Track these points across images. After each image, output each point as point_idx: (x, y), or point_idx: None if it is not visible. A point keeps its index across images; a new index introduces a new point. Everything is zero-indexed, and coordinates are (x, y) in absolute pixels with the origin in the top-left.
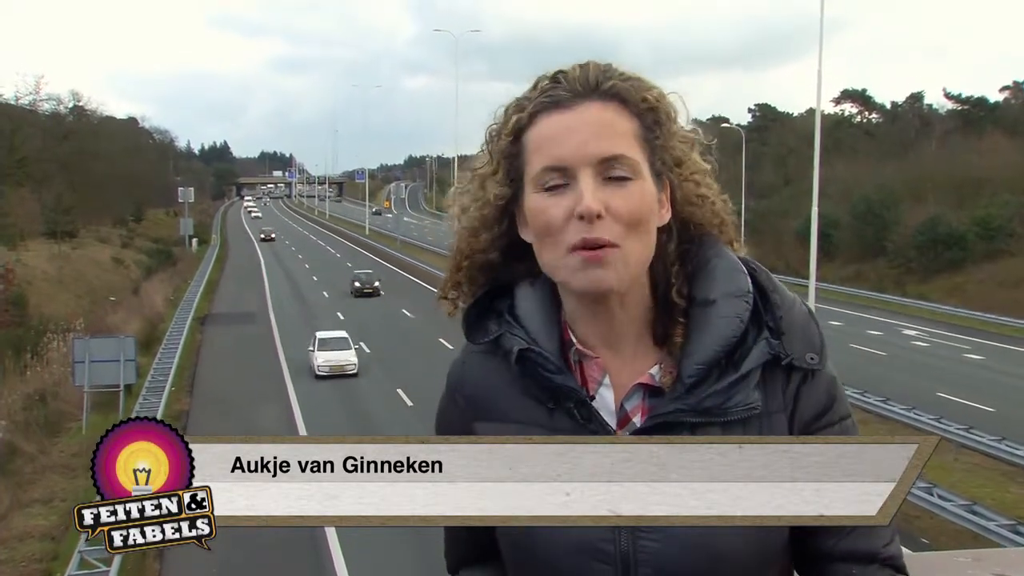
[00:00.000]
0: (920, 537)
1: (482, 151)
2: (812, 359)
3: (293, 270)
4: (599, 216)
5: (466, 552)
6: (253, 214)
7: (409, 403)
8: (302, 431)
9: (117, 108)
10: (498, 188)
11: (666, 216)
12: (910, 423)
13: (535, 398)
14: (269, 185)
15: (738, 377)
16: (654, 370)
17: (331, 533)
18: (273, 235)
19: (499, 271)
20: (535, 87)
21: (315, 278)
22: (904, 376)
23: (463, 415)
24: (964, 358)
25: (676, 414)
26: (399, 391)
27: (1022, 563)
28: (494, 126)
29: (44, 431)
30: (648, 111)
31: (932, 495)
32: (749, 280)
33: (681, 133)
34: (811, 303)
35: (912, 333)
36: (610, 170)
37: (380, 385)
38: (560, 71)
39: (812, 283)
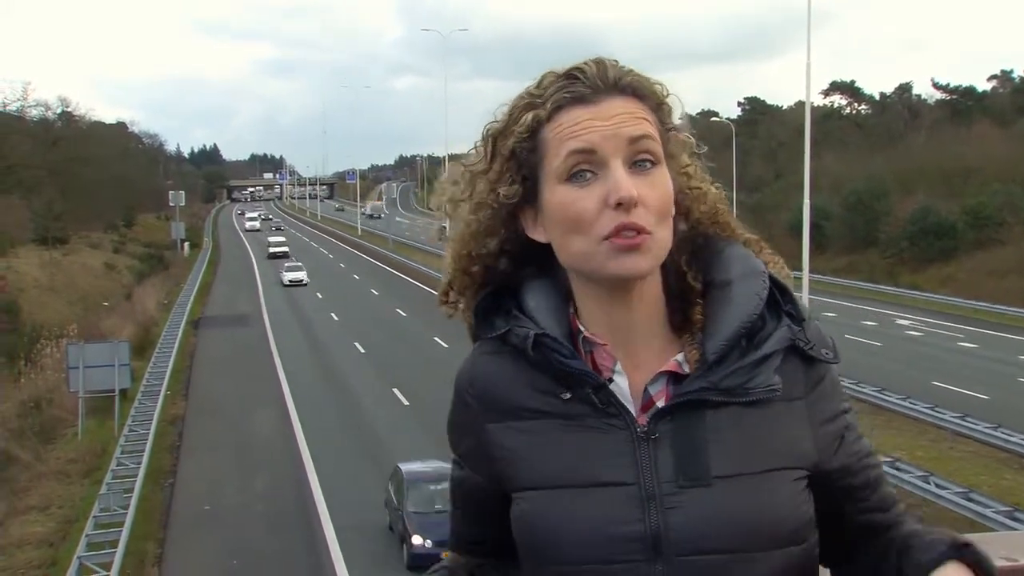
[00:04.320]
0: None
1: (477, 150)
2: (826, 353)
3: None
4: (635, 204)
5: (463, 544)
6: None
7: (405, 402)
8: (299, 434)
9: (106, 113)
10: (506, 188)
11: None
12: (905, 412)
13: (547, 390)
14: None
15: (760, 357)
16: (679, 357)
17: (331, 537)
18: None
19: (506, 274)
20: (541, 83)
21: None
22: (899, 366)
23: (475, 418)
24: (958, 347)
25: (700, 392)
26: (395, 391)
27: None
28: (496, 124)
29: (39, 438)
30: (659, 106)
31: (929, 483)
32: (762, 263)
33: (677, 130)
34: (804, 295)
35: (905, 323)
36: (637, 155)
37: (375, 385)
38: (576, 68)
39: (805, 275)
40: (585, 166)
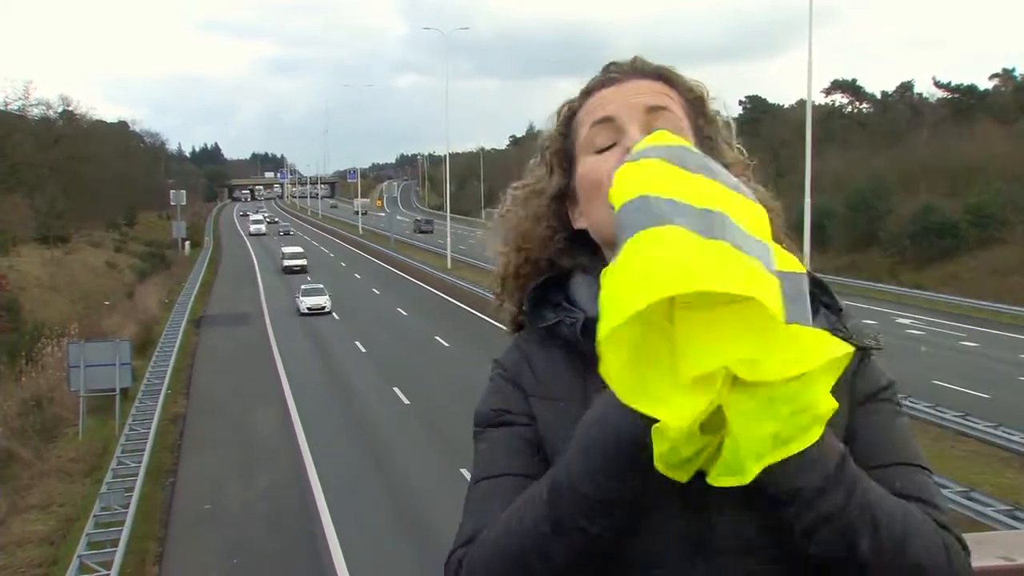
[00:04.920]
0: None
1: (536, 158)
2: (870, 341)
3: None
4: None
5: None
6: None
7: (406, 401)
8: (300, 433)
9: (107, 112)
10: (553, 179)
11: None
12: (906, 412)
13: (595, 379)
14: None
15: None
16: None
17: (332, 536)
18: None
19: (551, 266)
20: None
21: (309, 278)
22: (900, 365)
23: (519, 390)
24: (959, 346)
25: None
26: (395, 390)
27: None
28: (546, 126)
29: (41, 437)
30: (695, 99)
31: None
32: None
33: (724, 132)
34: None
35: (907, 322)
36: (656, 123)
37: (376, 384)
38: (612, 61)
39: None
40: (606, 137)
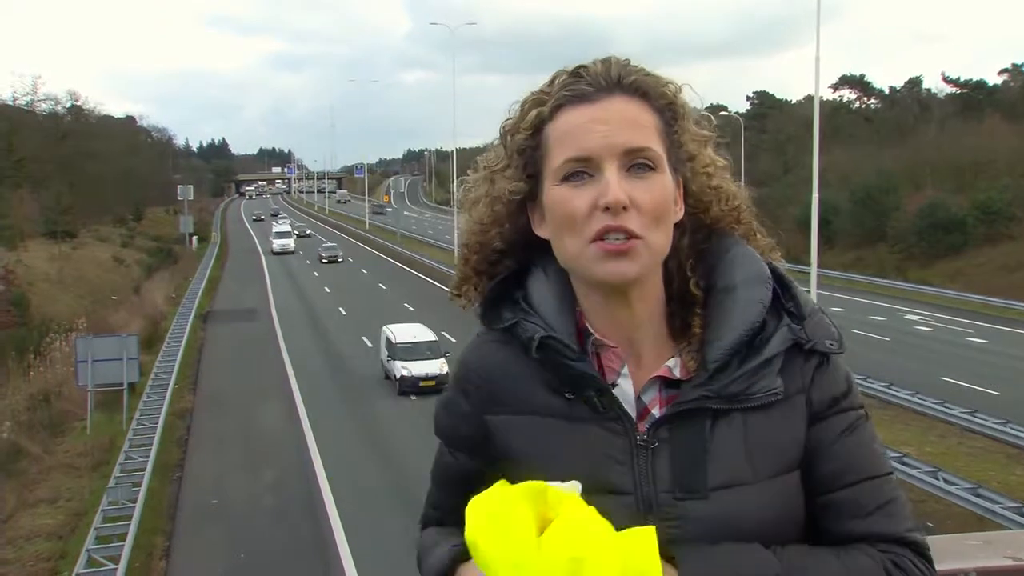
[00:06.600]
0: (926, 521)
1: (494, 146)
2: (831, 344)
3: (294, 267)
4: (624, 208)
5: (442, 517)
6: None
7: (412, 397)
8: (307, 428)
9: (115, 107)
10: (513, 183)
11: (679, 213)
12: (914, 408)
13: (552, 388)
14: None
15: (762, 362)
16: (671, 362)
17: (338, 530)
18: None
19: (508, 264)
20: (552, 82)
21: (316, 274)
22: (907, 361)
23: (474, 408)
24: (967, 342)
25: (700, 400)
26: None
27: None
28: (509, 121)
29: (48, 431)
30: (667, 106)
31: (937, 479)
32: (767, 267)
33: (694, 129)
34: (812, 290)
35: (914, 318)
36: (634, 161)
37: (383, 380)
38: (581, 66)
39: (813, 270)
40: (580, 168)
